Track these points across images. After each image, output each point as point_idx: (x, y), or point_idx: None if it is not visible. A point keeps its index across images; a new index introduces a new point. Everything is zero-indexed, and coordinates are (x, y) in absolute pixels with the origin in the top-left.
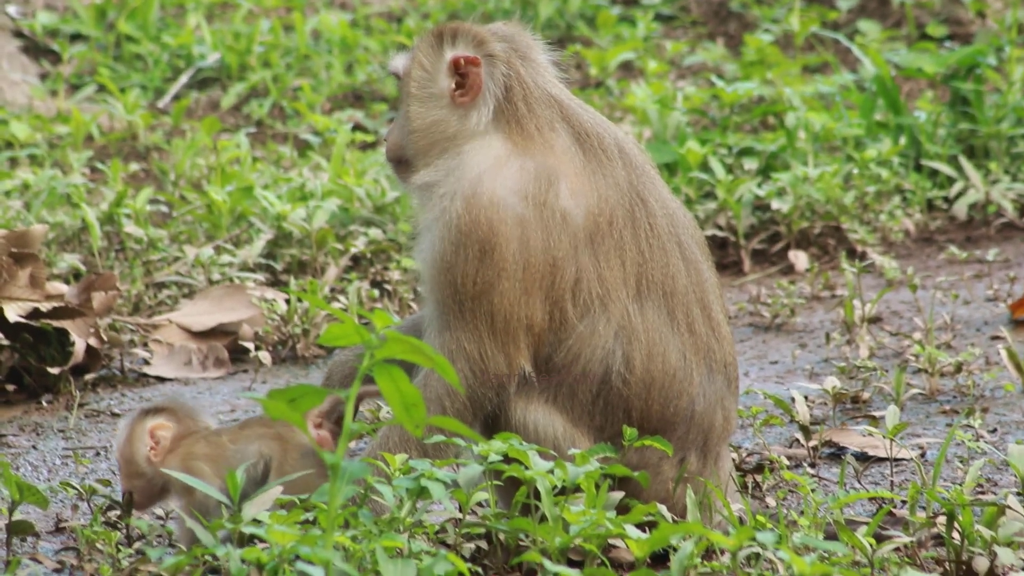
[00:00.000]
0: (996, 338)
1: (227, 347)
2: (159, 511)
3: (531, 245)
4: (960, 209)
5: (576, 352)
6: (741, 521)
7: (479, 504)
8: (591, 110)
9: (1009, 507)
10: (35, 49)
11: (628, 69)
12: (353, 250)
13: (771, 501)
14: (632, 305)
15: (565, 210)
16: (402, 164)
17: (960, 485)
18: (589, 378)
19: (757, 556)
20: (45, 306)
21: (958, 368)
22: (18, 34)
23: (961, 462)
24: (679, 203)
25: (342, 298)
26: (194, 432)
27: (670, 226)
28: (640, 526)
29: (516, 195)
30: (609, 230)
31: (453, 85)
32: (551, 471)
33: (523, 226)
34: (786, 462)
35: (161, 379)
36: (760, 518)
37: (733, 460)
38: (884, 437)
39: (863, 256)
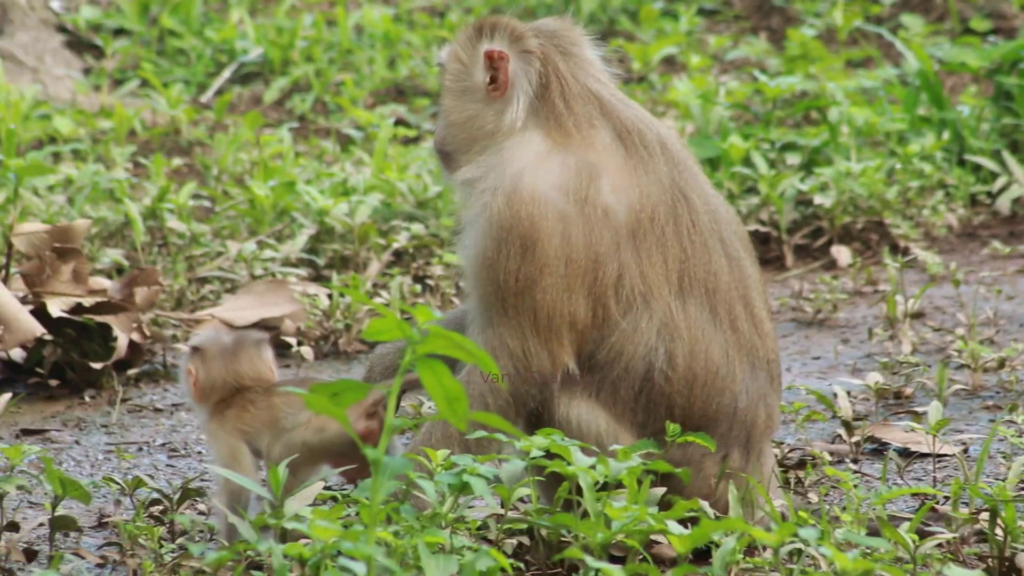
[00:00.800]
0: None
1: (269, 342)
2: (201, 507)
3: (573, 241)
4: (1003, 204)
5: (619, 349)
6: (783, 517)
7: (521, 500)
8: (634, 105)
9: None
10: (79, 44)
11: (671, 64)
12: (395, 245)
13: (813, 497)
14: (675, 302)
15: (607, 206)
16: (447, 157)
17: (1003, 481)
18: (631, 375)
19: (799, 552)
20: (88, 301)
21: (1001, 364)
22: (62, 29)
23: (1004, 458)
24: (721, 199)
25: (384, 293)
26: (250, 389)
27: (712, 222)
28: (682, 522)
29: (557, 191)
30: (651, 226)
31: (488, 79)
32: (593, 467)
33: (565, 222)
34: (828, 458)
35: None
36: (802, 514)
37: (775, 456)
38: (927, 433)
39: (906, 251)
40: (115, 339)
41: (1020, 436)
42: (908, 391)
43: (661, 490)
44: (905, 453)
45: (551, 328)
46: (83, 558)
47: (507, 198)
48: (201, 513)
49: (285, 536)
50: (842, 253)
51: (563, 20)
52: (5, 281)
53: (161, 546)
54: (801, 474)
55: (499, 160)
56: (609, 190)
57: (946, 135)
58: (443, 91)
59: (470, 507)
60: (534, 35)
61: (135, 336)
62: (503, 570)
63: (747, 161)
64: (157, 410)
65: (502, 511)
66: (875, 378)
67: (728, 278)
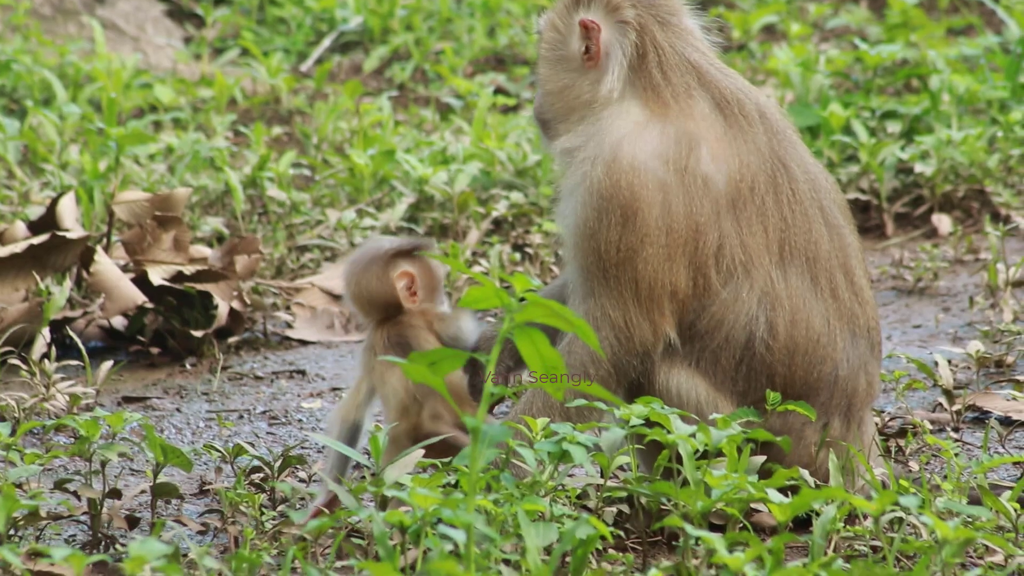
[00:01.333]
0: None
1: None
2: (302, 474)
3: (673, 210)
4: None
5: (719, 318)
6: (884, 486)
7: (621, 468)
8: (733, 74)
9: None
10: (179, 13)
11: (771, 32)
12: (494, 214)
13: (914, 465)
14: (775, 271)
15: (707, 175)
16: (546, 125)
17: None
18: (732, 344)
19: (900, 521)
20: (189, 269)
21: None
22: None
23: None
24: (821, 167)
25: (483, 262)
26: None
27: (812, 191)
28: (782, 491)
29: (657, 159)
30: (751, 196)
31: (583, 48)
32: (693, 435)
33: (665, 191)
34: (929, 426)
35: (304, 342)
36: (903, 482)
37: (876, 425)
38: None
39: (1007, 219)
40: (215, 307)
41: None
42: (1009, 359)
43: (761, 458)
44: (1006, 422)
45: (652, 298)
46: (184, 525)
47: (607, 167)
48: (302, 480)
49: (385, 504)
50: (943, 221)
51: None
52: (107, 249)
53: (262, 513)
54: (902, 443)
55: (597, 129)
56: (709, 159)
57: None
58: (539, 59)
59: (570, 475)
60: (631, 5)
61: (235, 304)
62: (603, 538)
63: (847, 129)
64: (257, 378)
65: (601, 480)
66: (976, 346)
67: (828, 246)
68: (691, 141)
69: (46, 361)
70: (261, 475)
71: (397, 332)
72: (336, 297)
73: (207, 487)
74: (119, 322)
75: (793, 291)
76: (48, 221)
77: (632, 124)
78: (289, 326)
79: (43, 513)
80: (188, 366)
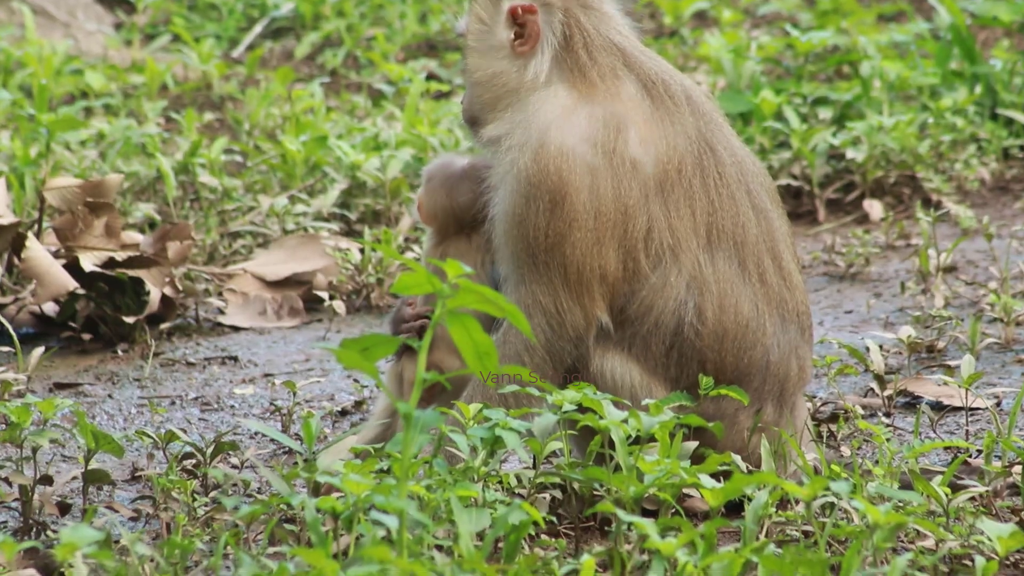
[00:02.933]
0: None
1: (301, 296)
2: (234, 460)
3: (601, 193)
4: None
5: (649, 304)
6: (816, 471)
7: (554, 454)
8: (657, 58)
9: None
10: None
11: (702, 18)
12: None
13: (846, 451)
14: (703, 255)
15: (635, 158)
16: (474, 122)
17: None
18: (662, 330)
19: (832, 506)
20: (120, 255)
21: None
22: None
23: None
24: (748, 152)
25: (416, 248)
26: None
27: (739, 175)
28: (715, 476)
29: (585, 143)
30: (679, 179)
31: (512, 35)
32: (625, 421)
33: (593, 174)
34: (861, 411)
35: (236, 328)
36: (835, 467)
37: (808, 410)
38: (959, 387)
39: (938, 205)
40: (147, 293)
41: None
42: (940, 345)
43: (693, 444)
44: (938, 407)
45: (581, 283)
46: (116, 511)
47: (534, 153)
48: (234, 467)
49: (317, 490)
50: (874, 207)
51: None
52: (38, 236)
53: (194, 500)
54: (834, 428)
55: (524, 116)
56: (637, 142)
57: (978, 89)
58: (466, 53)
59: (502, 461)
60: None
61: (167, 290)
62: (536, 524)
63: (779, 116)
64: (189, 364)
65: (534, 466)
66: (907, 332)
67: (756, 231)
68: (619, 124)
69: None
70: (193, 461)
71: (450, 254)
72: (269, 283)
73: (139, 473)
74: (50, 308)
75: (721, 276)
76: None
77: (560, 108)
78: (221, 312)
79: None
80: (120, 352)
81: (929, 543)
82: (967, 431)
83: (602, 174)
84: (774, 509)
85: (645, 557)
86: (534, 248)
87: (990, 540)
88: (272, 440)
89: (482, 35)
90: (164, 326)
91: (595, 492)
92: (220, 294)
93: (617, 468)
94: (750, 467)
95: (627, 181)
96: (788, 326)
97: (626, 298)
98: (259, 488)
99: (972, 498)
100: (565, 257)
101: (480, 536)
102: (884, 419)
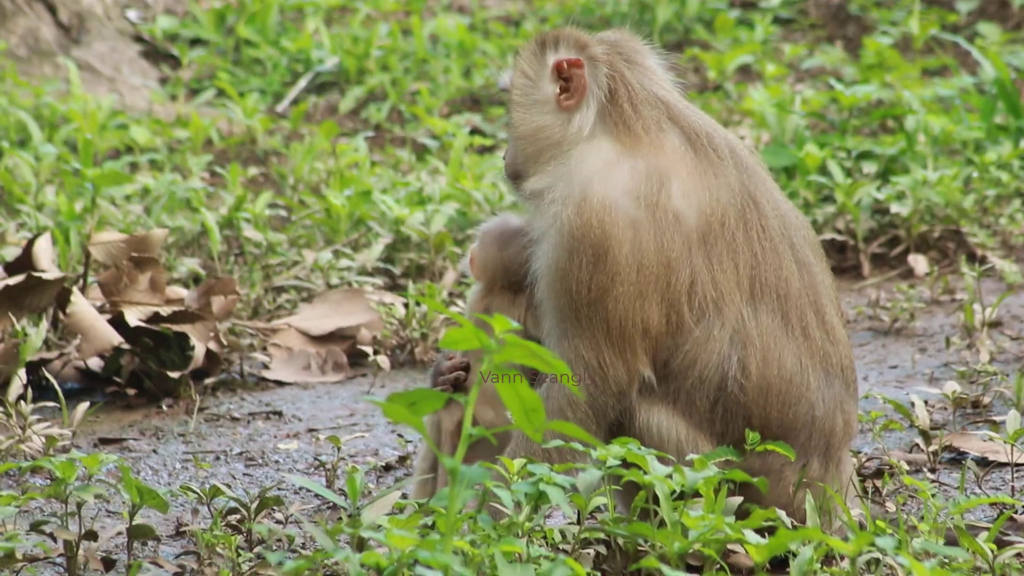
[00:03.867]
0: None
1: (345, 351)
2: (278, 515)
3: (644, 247)
4: None
5: (693, 357)
6: (861, 526)
7: (598, 509)
8: (701, 112)
9: None
10: (155, 54)
11: (746, 72)
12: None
13: (891, 506)
14: (746, 309)
15: (678, 211)
16: (517, 177)
17: None
18: (706, 384)
19: (877, 561)
20: (165, 310)
21: None
22: (138, 39)
23: None
24: (791, 205)
25: (460, 302)
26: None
27: (782, 228)
28: (760, 531)
29: (627, 196)
30: (722, 231)
31: (558, 90)
32: (670, 476)
33: (636, 228)
34: (906, 467)
35: (280, 383)
36: (880, 523)
37: (853, 465)
38: (1005, 442)
39: (983, 260)
40: (192, 348)
41: None
42: (986, 400)
43: (738, 499)
44: (983, 462)
45: (624, 337)
46: (161, 567)
47: (577, 207)
48: (278, 522)
49: (362, 545)
50: (919, 262)
51: (623, 31)
52: (83, 290)
53: (238, 555)
54: (879, 483)
55: (567, 169)
56: (680, 195)
57: (1023, 144)
58: (511, 108)
59: (547, 516)
60: (598, 43)
61: (212, 345)
62: None
63: (823, 170)
64: (234, 419)
65: (578, 521)
66: (952, 387)
67: (799, 284)
68: (662, 177)
69: (22, 403)
70: (238, 516)
71: (487, 308)
72: (313, 338)
73: (183, 529)
74: (95, 363)
75: (764, 329)
76: (24, 262)
77: (602, 162)
78: (266, 367)
79: (19, 555)
80: (164, 407)
81: None
82: (1013, 487)
83: (645, 227)
84: (819, 565)
85: None
86: (576, 302)
87: None
88: (316, 495)
89: (527, 89)
90: (208, 381)
91: (639, 547)
92: (264, 349)
93: (662, 523)
94: (795, 523)
95: (670, 234)
96: (832, 381)
97: (670, 352)
98: (303, 543)
99: (1018, 554)
100: (607, 311)
101: None
102: (929, 475)
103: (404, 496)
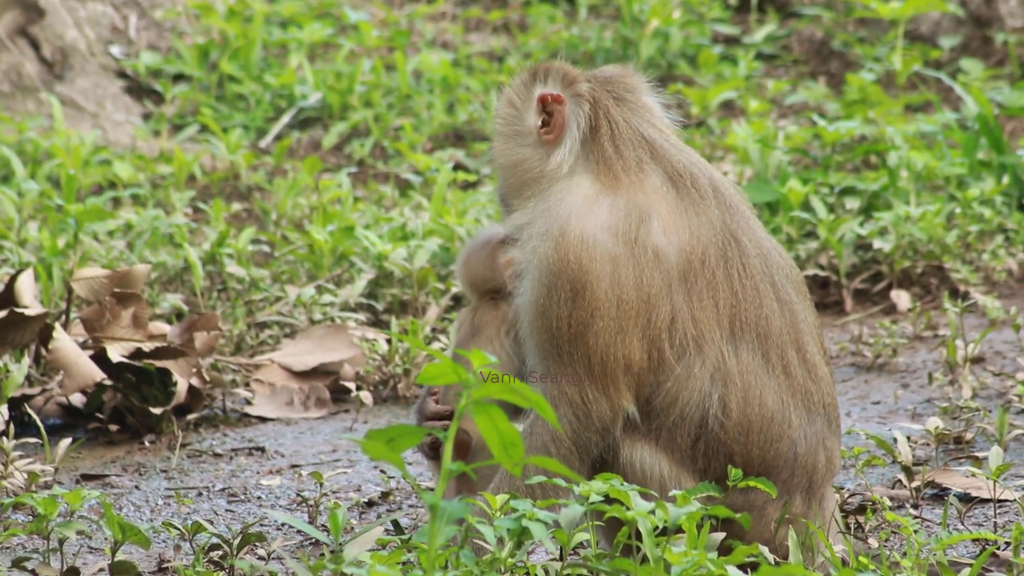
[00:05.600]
0: None
1: (328, 387)
2: (261, 551)
3: (623, 282)
4: None
5: (674, 395)
6: (844, 562)
7: (581, 545)
8: (688, 150)
9: None
10: (138, 89)
11: (729, 108)
12: (454, 290)
13: (873, 542)
14: (726, 347)
15: (657, 247)
16: (506, 206)
17: None
18: (687, 422)
19: None
20: (147, 346)
21: None
22: (121, 75)
23: None
24: (775, 243)
25: (443, 338)
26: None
27: (763, 266)
28: (742, 567)
29: (606, 232)
30: (702, 269)
31: (540, 123)
32: (652, 512)
33: (614, 263)
34: (888, 503)
35: (263, 419)
36: (863, 559)
37: (835, 501)
38: (987, 478)
39: (966, 296)
40: (175, 384)
41: None
42: (968, 436)
43: (721, 535)
44: (965, 498)
45: (606, 373)
46: None
47: (555, 242)
48: (261, 558)
49: None
50: (901, 298)
51: (623, 67)
52: (65, 326)
53: None
54: (861, 519)
55: (547, 206)
56: (660, 231)
57: (1006, 179)
58: (495, 135)
59: (530, 553)
60: (587, 80)
61: (195, 381)
62: None
63: (806, 206)
64: (216, 455)
65: (561, 557)
66: (935, 423)
67: (780, 323)
68: (642, 213)
69: (4, 439)
70: (220, 552)
71: (474, 326)
72: (296, 374)
73: (166, 565)
74: (78, 399)
75: (744, 368)
76: (6, 298)
77: (581, 198)
78: (248, 403)
79: None
80: (147, 443)
81: None
82: (995, 523)
83: (623, 263)
84: None
85: None
86: (558, 338)
87: None
88: (299, 531)
89: (511, 119)
90: (191, 417)
91: None
92: (247, 385)
93: (644, 559)
94: (778, 559)
95: (649, 270)
96: (814, 418)
97: (652, 389)
98: None
99: None
100: (588, 347)
101: None
102: (912, 511)
103: (387, 532)
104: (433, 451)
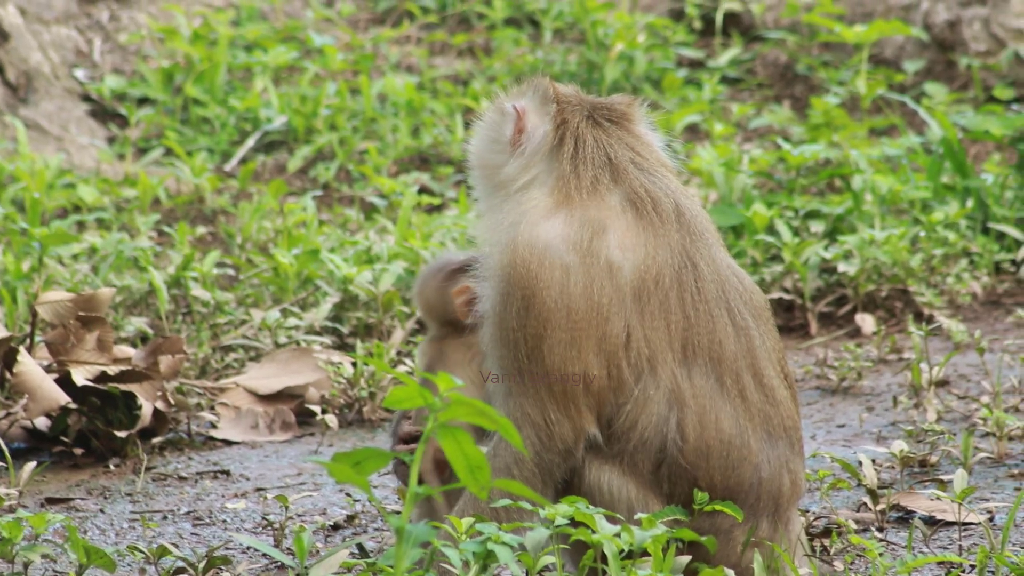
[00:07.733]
0: None
1: (293, 410)
2: (227, 574)
3: (572, 290)
4: None
5: (634, 418)
6: None
7: (547, 568)
8: (663, 177)
9: None
10: (103, 113)
11: (694, 131)
12: (418, 313)
13: (839, 565)
14: (679, 369)
15: (611, 260)
16: (478, 213)
17: None
18: (648, 446)
19: None
20: (112, 369)
21: None
22: (86, 98)
23: None
24: (737, 269)
25: (408, 361)
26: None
27: (720, 291)
28: None
29: (560, 240)
30: (655, 289)
31: (513, 132)
32: (618, 535)
33: (565, 271)
34: (854, 526)
35: (228, 442)
36: None
37: (801, 524)
38: (952, 501)
39: (930, 319)
40: (139, 407)
41: None
42: (933, 459)
43: (687, 558)
44: (931, 521)
45: (566, 392)
46: None
47: (509, 250)
48: None
49: None
50: (866, 321)
51: (628, 97)
52: (30, 350)
53: None
54: (827, 542)
55: (504, 216)
56: (616, 246)
57: (970, 203)
58: (473, 134)
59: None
60: (565, 99)
61: (159, 404)
62: None
63: (771, 229)
64: (182, 478)
65: None
66: (900, 446)
67: (734, 348)
68: (596, 227)
69: None
70: None
71: (441, 352)
72: (261, 397)
73: None
74: (42, 423)
75: (699, 391)
76: None
77: (537, 210)
78: (213, 426)
79: None
80: (112, 467)
81: None
82: (960, 546)
83: (575, 271)
84: None
85: None
86: (516, 353)
87: None
88: (264, 555)
89: (493, 124)
90: (156, 440)
91: None
92: (212, 408)
93: None
94: None
95: (600, 280)
96: (776, 442)
97: (613, 411)
98: None
99: None
100: (545, 363)
101: None
102: (877, 534)
103: (352, 555)
104: (408, 471)
